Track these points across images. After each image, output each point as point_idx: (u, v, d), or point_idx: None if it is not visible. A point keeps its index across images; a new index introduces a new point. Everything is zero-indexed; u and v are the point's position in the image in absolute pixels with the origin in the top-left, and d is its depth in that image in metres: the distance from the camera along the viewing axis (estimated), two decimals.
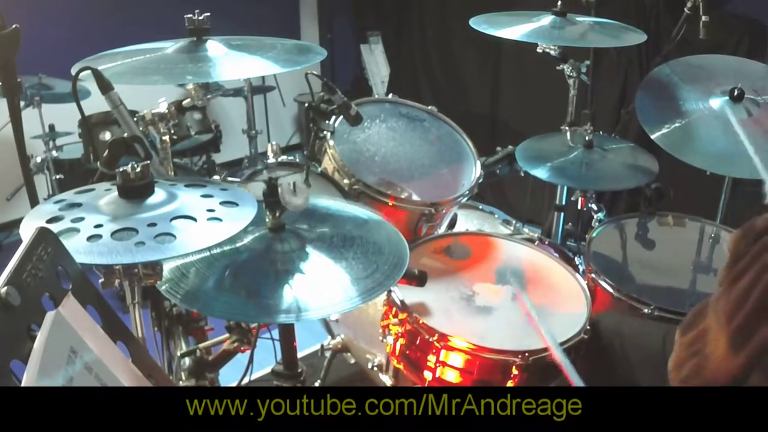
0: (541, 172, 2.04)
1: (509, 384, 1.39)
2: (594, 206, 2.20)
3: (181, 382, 1.49)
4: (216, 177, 1.72)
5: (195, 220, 1.04)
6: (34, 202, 1.38)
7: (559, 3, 2.07)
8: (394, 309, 1.51)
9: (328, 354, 2.05)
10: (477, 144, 1.98)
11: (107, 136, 2.78)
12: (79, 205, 1.06)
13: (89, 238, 0.95)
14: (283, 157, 1.81)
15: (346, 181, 1.70)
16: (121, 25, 3.50)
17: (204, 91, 1.48)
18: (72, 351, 0.66)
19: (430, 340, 1.41)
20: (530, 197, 3.56)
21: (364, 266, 1.20)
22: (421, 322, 1.44)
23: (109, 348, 0.76)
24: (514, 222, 2.23)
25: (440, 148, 1.96)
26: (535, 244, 1.82)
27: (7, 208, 3.28)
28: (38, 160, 3.01)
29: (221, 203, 1.10)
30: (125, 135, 1.30)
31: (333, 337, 1.99)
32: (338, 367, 2.09)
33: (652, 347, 1.34)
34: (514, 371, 1.38)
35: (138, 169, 1.06)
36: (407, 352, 1.50)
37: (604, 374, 1.40)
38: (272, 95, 4.22)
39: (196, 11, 1.50)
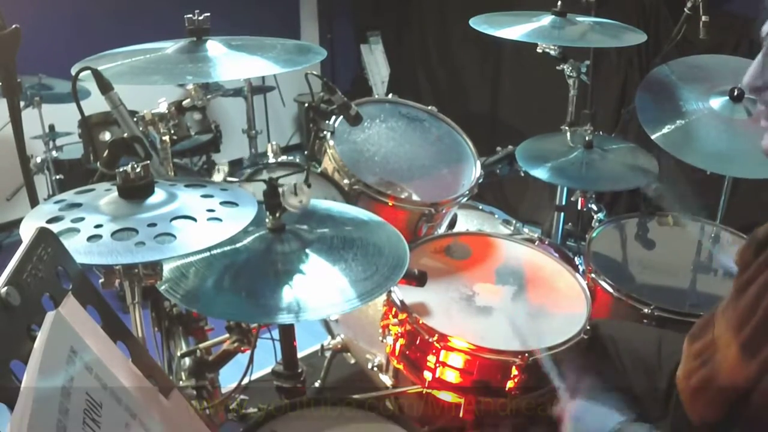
0: (541, 173, 2.03)
1: (509, 384, 1.39)
2: (594, 206, 2.20)
3: (181, 382, 1.49)
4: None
5: (195, 220, 1.04)
6: (34, 202, 1.38)
7: (559, 3, 2.07)
8: (394, 309, 1.51)
9: (328, 354, 2.05)
10: (477, 144, 1.98)
11: (107, 136, 2.78)
12: (79, 205, 1.06)
13: (89, 238, 0.95)
14: (283, 157, 1.81)
15: (346, 181, 1.70)
16: (121, 25, 3.49)
17: (204, 91, 1.47)
18: (72, 351, 0.66)
19: (430, 340, 1.41)
20: (530, 197, 3.57)
21: (363, 268, 1.20)
22: (420, 322, 1.44)
23: (109, 348, 0.76)
24: (514, 222, 2.23)
25: (440, 148, 1.96)
26: (535, 244, 1.82)
27: (7, 208, 3.27)
28: (38, 160, 3.01)
29: (221, 203, 1.10)
30: (125, 135, 1.30)
31: (333, 337, 1.99)
32: (338, 367, 2.09)
33: (646, 352, 1.35)
34: (514, 371, 1.38)
35: (138, 170, 1.06)
36: (407, 352, 1.50)
37: (600, 378, 1.41)
38: (272, 95, 4.21)
39: (196, 11, 1.50)
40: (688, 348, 1.06)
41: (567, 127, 2.29)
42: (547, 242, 2.02)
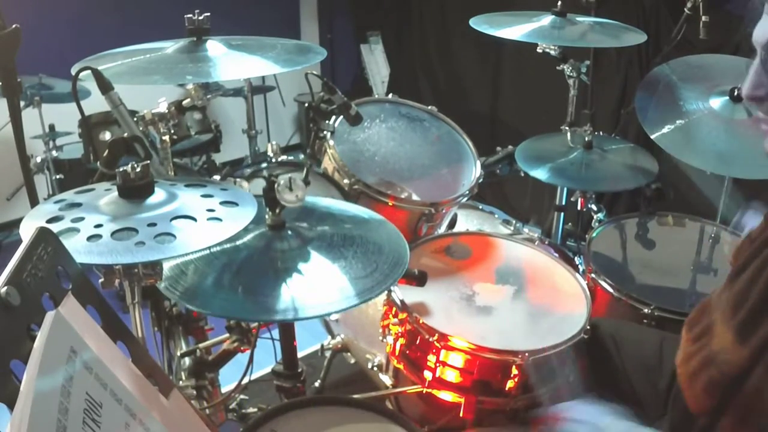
0: (540, 173, 2.04)
1: (509, 384, 1.39)
2: (594, 206, 2.20)
3: (181, 382, 1.49)
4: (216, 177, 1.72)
5: (195, 220, 1.04)
6: (34, 202, 1.38)
7: (559, 3, 2.07)
8: (394, 309, 1.51)
9: (328, 354, 2.05)
10: (477, 144, 1.98)
11: (107, 136, 2.78)
12: (79, 205, 1.06)
13: (89, 238, 0.95)
14: (283, 157, 1.81)
15: (346, 181, 1.70)
16: (121, 25, 3.50)
17: (204, 91, 1.47)
18: (72, 351, 0.66)
19: (430, 339, 1.41)
20: (530, 197, 3.57)
21: (363, 265, 1.20)
22: (421, 321, 1.44)
23: (109, 348, 0.76)
24: (514, 222, 2.23)
25: (440, 148, 1.96)
26: (535, 244, 1.82)
27: (7, 208, 3.28)
28: (38, 160, 3.01)
29: (221, 203, 1.10)
30: (125, 135, 1.30)
31: (333, 337, 1.99)
32: (338, 367, 2.09)
33: (647, 352, 1.35)
34: (514, 371, 1.38)
35: (138, 169, 1.06)
36: (407, 351, 1.50)
37: (600, 377, 1.41)
38: (272, 95, 4.22)
39: (196, 11, 1.50)
40: (686, 333, 1.06)
41: (567, 128, 2.29)
42: (547, 242, 2.02)
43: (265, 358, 1.54)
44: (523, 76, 3.63)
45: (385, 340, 1.57)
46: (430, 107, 2.04)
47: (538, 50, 2.12)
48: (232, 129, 4.09)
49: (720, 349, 0.93)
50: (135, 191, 1.06)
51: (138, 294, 1.05)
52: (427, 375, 1.44)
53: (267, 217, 1.26)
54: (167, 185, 1.13)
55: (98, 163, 1.27)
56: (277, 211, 1.24)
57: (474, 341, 1.38)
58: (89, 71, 1.24)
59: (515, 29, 1.99)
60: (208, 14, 1.50)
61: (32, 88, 2.94)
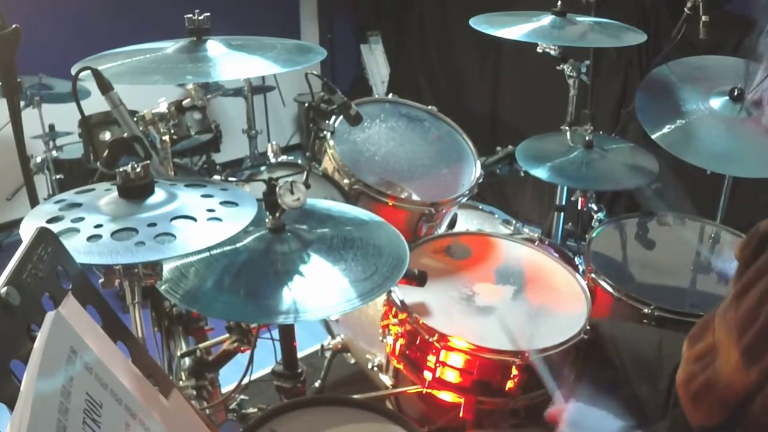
0: (541, 172, 2.03)
1: (509, 384, 1.39)
2: (594, 206, 2.20)
3: (181, 382, 1.49)
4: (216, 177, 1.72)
5: (195, 220, 1.04)
6: (34, 202, 1.38)
7: (559, 3, 2.07)
8: (394, 309, 1.51)
9: (328, 354, 2.05)
10: (477, 144, 1.98)
11: (107, 136, 2.78)
12: (79, 205, 1.06)
13: (89, 238, 0.95)
14: (283, 157, 1.81)
15: (346, 181, 1.70)
16: (121, 25, 3.49)
17: (204, 91, 1.47)
18: (72, 351, 0.66)
19: (430, 340, 1.41)
20: (530, 197, 3.57)
21: (363, 268, 1.20)
22: (420, 322, 1.44)
23: (109, 348, 0.76)
24: (514, 222, 2.23)
25: (440, 148, 1.96)
26: (535, 244, 1.82)
27: (7, 208, 3.27)
28: (38, 160, 3.01)
29: (221, 203, 1.10)
30: (125, 135, 1.30)
31: (333, 337, 1.99)
32: (338, 367, 2.10)
33: (646, 352, 1.34)
34: (514, 371, 1.38)
35: (138, 169, 1.06)
36: (407, 352, 1.50)
37: (599, 377, 1.40)
38: (272, 95, 4.22)
39: (196, 11, 1.50)
40: (687, 350, 1.05)
41: (567, 127, 2.29)
42: (547, 242, 2.02)
43: (265, 358, 1.54)
44: (523, 76, 3.63)
45: (385, 340, 1.57)
46: (430, 107, 2.04)
47: (538, 50, 2.12)
48: (232, 129, 4.09)
49: (725, 371, 0.92)
50: (135, 191, 1.06)
51: (138, 294, 1.05)
52: (427, 375, 1.44)
53: (267, 220, 1.26)
54: (167, 185, 1.13)
55: (98, 163, 1.27)
56: (277, 214, 1.25)
57: (474, 341, 1.38)
58: (89, 71, 1.23)
59: (515, 29, 1.99)
60: (208, 14, 1.50)
61: (32, 88, 2.94)
